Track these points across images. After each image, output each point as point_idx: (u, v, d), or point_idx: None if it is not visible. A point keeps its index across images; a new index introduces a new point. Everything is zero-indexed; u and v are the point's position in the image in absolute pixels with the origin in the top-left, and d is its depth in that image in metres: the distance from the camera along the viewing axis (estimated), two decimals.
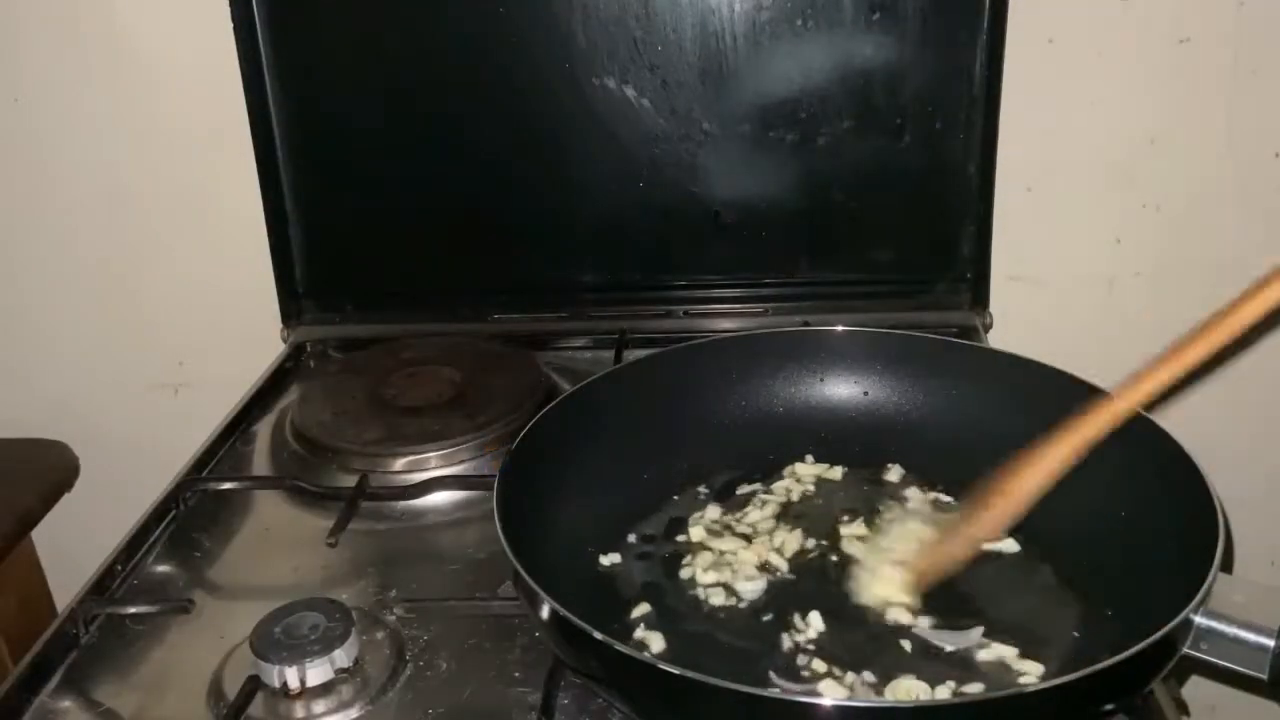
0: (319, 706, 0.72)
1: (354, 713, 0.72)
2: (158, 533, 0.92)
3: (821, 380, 0.95)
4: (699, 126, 1.16)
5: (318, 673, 0.72)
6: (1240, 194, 1.20)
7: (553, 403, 0.88)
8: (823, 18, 1.11)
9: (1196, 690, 1.17)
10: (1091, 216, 1.22)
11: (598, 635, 0.63)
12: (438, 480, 0.94)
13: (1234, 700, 1.26)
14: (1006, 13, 1.10)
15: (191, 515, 0.95)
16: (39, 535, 1.28)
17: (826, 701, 0.60)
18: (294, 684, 0.72)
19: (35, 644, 0.78)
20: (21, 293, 1.32)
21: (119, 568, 0.87)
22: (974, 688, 0.70)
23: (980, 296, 1.20)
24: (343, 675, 0.73)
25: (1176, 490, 0.73)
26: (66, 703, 0.75)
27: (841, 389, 0.95)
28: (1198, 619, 0.63)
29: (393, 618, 0.80)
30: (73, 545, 1.08)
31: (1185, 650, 0.64)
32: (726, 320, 1.21)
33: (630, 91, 1.15)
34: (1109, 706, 0.63)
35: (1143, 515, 0.76)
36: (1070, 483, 0.75)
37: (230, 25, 1.14)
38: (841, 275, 1.22)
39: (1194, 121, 1.17)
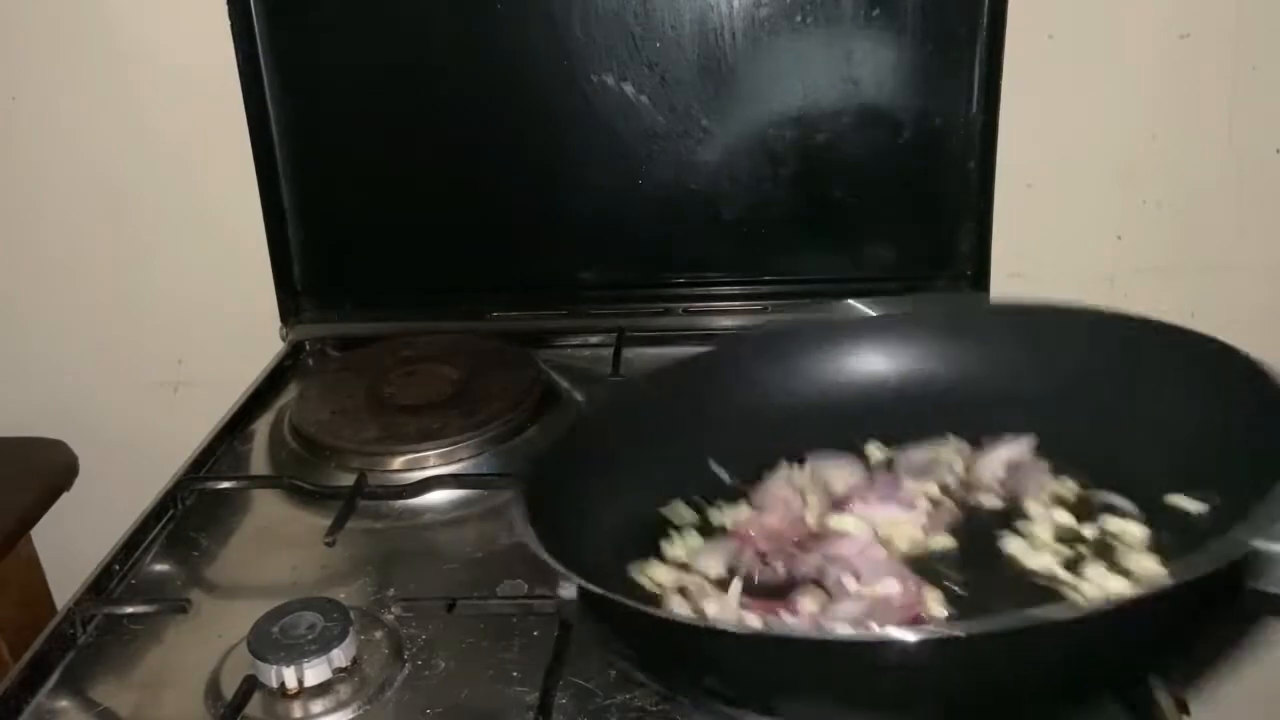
0: (317, 706, 0.72)
1: (352, 712, 0.72)
2: (155, 532, 0.92)
3: (889, 358, 0.87)
4: (698, 123, 1.16)
5: (315, 672, 0.72)
6: (1242, 190, 1.19)
7: (592, 409, 0.86)
8: (822, 14, 1.11)
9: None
10: (1092, 213, 1.21)
11: (677, 617, 0.61)
12: (436, 479, 0.94)
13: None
14: (1006, 8, 1.09)
15: (189, 514, 0.95)
16: (38, 535, 1.27)
17: (909, 635, 0.51)
18: (291, 684, 0.72)
19: (33, 644, 0.77)
20: (20, 292, 1.32)
21: (117, 567, 0.86)
22: None
23: (980, 294, 1.19)
24: (340, 675, 0.73)
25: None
26: (64, 702, 0.75)
27: (898, 365, 0.86)
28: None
29: (391, 617, 0.80)
30: (72, 545, 1.08)
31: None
32: (726, 318, 1.20)
33: (629, 88, 1.14)
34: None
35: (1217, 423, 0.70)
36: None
37: (228, 24, 1.14)
38: (841, 272, 1.21)
39: (1195, 117, 1.17)
